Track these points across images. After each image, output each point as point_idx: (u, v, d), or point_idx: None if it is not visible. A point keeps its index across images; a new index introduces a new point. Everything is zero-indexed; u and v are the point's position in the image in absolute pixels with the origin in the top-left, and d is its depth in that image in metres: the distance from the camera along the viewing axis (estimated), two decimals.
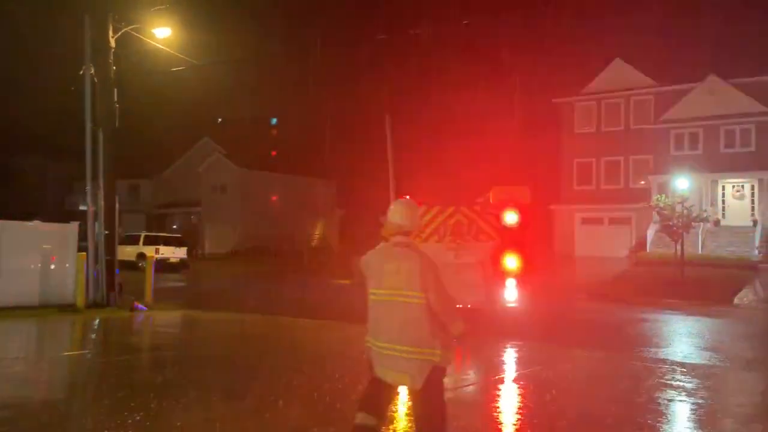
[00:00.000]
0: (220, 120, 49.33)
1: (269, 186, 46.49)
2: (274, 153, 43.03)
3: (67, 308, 14.30)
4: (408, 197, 4.39)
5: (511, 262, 12.27)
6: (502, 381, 8.77)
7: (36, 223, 16.32)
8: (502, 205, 12.64)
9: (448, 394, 4.44)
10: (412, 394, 4.23)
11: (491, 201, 13.00)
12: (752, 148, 32.31)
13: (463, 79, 41.93)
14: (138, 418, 6.08)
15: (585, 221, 37.18)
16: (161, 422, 6.04)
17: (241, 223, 44.76)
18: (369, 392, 4.32)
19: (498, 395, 7.92)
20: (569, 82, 38.42)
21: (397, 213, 4.41)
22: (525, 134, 40.45)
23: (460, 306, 11.33)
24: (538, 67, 46.96)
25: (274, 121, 33.03)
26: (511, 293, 12.25)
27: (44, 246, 14.79)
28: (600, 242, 35.50)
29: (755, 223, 30.89)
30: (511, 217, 12.40)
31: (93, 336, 12.61)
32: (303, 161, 46.91)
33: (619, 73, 36.75)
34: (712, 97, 32.82)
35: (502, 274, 12.31)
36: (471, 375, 8.78)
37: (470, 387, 8.22)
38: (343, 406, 6.57)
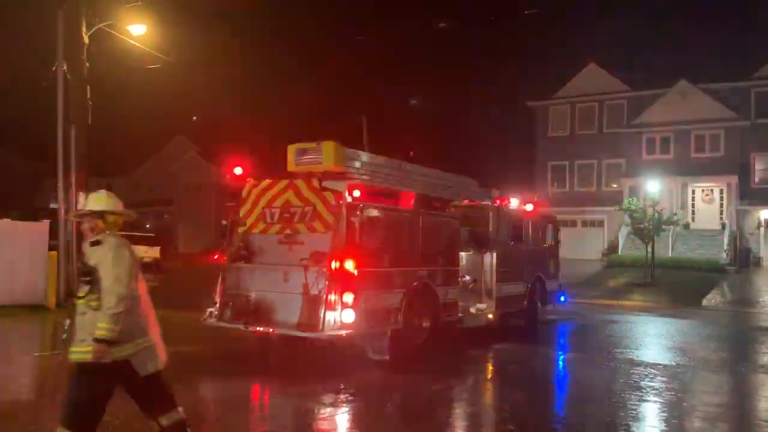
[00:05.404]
0: (195, 118, 48.84)
1: None
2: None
3: (38, 308, 14.07)
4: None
5: (348, 266, 8.15)
6: (468, 380, 8.83)
7: (5, 221, 15.98)
8: (306, 176, 8.74)
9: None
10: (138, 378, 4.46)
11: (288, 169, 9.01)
12: (721, 153, 32.96)
13: (439, 82, 42.17)
14: (117, 423, 6.01)
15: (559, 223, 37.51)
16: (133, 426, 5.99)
17: (215, 222, 44.39)
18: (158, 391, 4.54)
19: (466, 393, 7.98)
20: (544, 86, 38.80)
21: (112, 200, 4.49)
22: (500, 137, 40.78)
23: (261, 328, 8.57)
24: (513, 70, 47.41)
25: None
26: (346, 315, 8.02)
27: (14, 244, 14.50)
28: (573, 244, 35.81)
29: (723, 226, 31.51)
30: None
31: (64, 336, 12.40)
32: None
33: (592, 77, 37.20)
34: (683, 102, 33.43)
35: (333, 284, 8.08)
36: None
37: (436, 388, 8.29)
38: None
